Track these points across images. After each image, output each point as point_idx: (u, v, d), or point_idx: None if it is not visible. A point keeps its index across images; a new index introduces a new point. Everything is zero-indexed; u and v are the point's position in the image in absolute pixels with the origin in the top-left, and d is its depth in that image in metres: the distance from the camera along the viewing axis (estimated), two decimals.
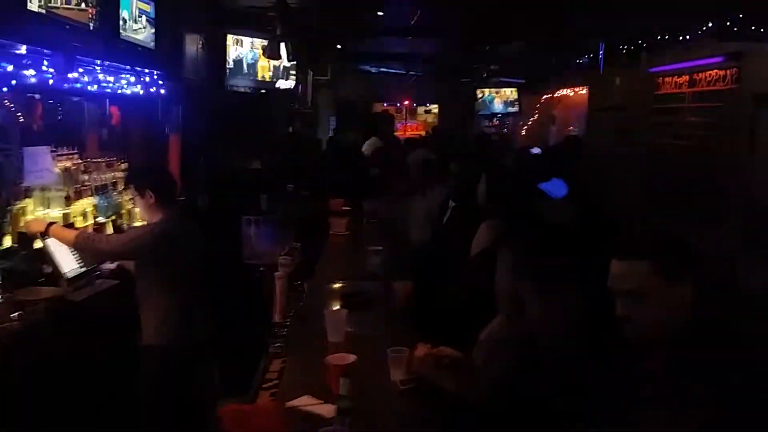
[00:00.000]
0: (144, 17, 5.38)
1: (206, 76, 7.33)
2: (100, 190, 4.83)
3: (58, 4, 4.00)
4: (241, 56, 8.18)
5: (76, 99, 5.00)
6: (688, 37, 7.62)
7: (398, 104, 16.54)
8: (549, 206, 4.84)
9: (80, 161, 4.83)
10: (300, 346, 3.14)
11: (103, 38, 4.66)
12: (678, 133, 8.06)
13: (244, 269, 5.59)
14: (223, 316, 4.12)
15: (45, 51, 3.96)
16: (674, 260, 1.75)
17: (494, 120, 16.47)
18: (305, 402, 2.44)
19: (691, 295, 1.73)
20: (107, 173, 5.05)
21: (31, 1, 3.66)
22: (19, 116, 4.32)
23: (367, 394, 2.45)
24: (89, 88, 4.53)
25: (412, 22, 10.26)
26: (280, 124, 10.31)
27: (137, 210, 4.96)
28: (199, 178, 6.83)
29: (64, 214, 4.32)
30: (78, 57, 4.31)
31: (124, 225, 4.85)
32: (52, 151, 4.48)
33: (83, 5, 4.32)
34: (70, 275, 3.85)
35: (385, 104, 15.80)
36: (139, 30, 5.30)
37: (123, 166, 5.31)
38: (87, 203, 4.64)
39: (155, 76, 5.55)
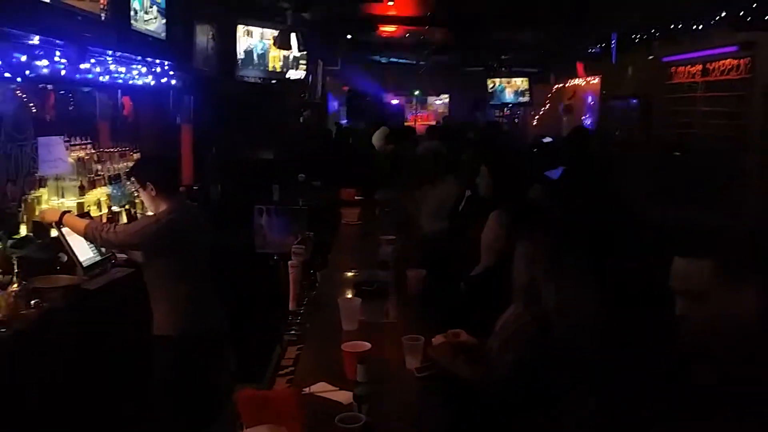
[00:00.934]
0: (155, 8, 5.38)
1: (217, 67, 7.34)
2: (114, 180, 4.85)
3: None
4: (251, 47, 8.17)
5: (87, 89, 5.02)
6: (701, 26, 7.57)
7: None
8: (545, 188, 4.86)
9: (93, 151, 4.87)
10: (314, 334, 3.15)
11: (115, 29, 4.66)
12: (691, 122, 8.02)
13: (256, 258, 5.60)
14: (237, 305, 4.14)
15: (57, 41, 3.97)
16: (736, 259, 1.58)
17: (505, 110, 16.41)
18: (321, 388, 2.45)
19: (756, 301, 1.55)
20: (120, 163, 5.07)
21: None
22: (32, 107, 4.34)
23: (383, 381, 2.45)
24: (101, 78, 4.54)
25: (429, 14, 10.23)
26: (291, 115, 10.31)
27: None
28: (211, 167, 6.85)
29: (78, 203, 4.35)
30: (90, 47, 4.32)
31: (138, 214, 4.86)
32: (65, 141, 4.50)
33: None
34: (85, 264, 3.88)
35: (394, 94, 15.79)
36: (150, 20, 5.30)
37: (135, 156, 5.33)
38: (101, 192, 4.67)
39: (166, 67, 5.56)
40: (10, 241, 3.66)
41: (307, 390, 2.42)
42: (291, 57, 8.93)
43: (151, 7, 5.30)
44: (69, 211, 3.91)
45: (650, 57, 9.07)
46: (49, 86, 4.55)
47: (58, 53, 3.96)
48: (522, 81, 15.84)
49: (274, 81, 8.71)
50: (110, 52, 4.67)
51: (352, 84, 14.99)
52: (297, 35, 8.14)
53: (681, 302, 1.64)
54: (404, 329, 2.87)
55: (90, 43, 4.30)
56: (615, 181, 6.74)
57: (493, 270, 3.36)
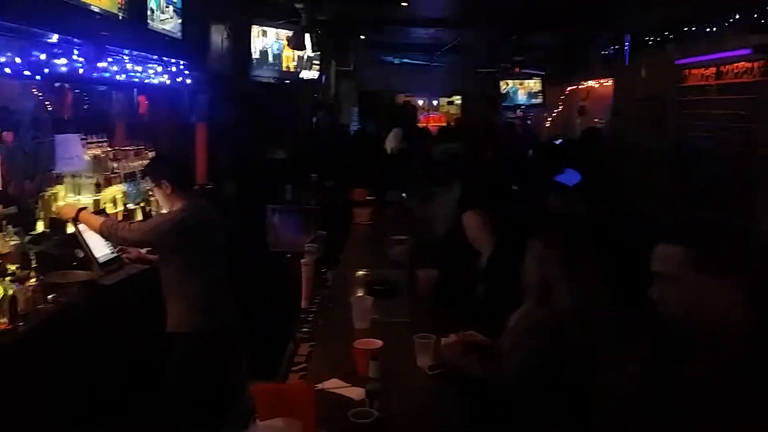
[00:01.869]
0: (171, 7, 5.43)
1: (231, 67, 7.38)
2: (129, 178, 4.90)
3: None
4: (266, 47, 8.22)
5: (104, 88, 5.07)
6: (715, 28, 7.54)
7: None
8: (561, 196, 4.86)
9: (109, 149, 4.91)
10: (327, 331, 3.18)
11: (132, 28, 4.71)
12: (705, 125, 7.99)
13: (269, 257, 5.64)
14: (250, 303, 4.17)
15: (75, 40, 4.02)
16: (712, 252, 1.60)
17: (518, 111, 16.38)
18: (334, 384, 2.48)
19: (740, 295, 1.56)
20: (135, 161, 5.11)
21: None
22: (50, 105, 4.40)
23: (395, 378, 2.48)
24: (117, 77, 4.57)
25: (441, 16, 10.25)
26: (304, 115, 10.35)
27: None
28: (225, 166, 6.89)
29: (94, 200, 4.39)
30: (107, 46, 4.37)
31: (153, 211, 4.91)
32: (82, 139, 4.55)
33: None
34: (101, 260, 3.92)
35: (407, 95, 15.79)
36: (166, 20, 5.35)
37: (151, 154, 5.37)
38: (116, 190, 4.72)
39: (181, 66, 5.60)
40: (27, 237, 3.70)
41: (319, 386, 2.45)
42: (305, 57, 8.98)
43: (167, 6, 5.35)
44: (85, 208, 3.96)
45: (663, 59, 9.04)
46: (67, 85, 4.61)
47: (76, 52, 4.00)
48: (535, 82, 15.81)
49: (287, 81, 8.76)
50: (127, 51, 4.72)
51: (365, 84, 15.02)
52: (311, 35, 8.17)
53: (657, 285, 1.68)
54: (416, 328, 2.89)
55: (107, 42, 4.35)
56: (630, 183, 6.74)
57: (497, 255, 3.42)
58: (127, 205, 4.77)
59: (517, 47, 13.73)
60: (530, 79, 15.79)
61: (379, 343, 2.65)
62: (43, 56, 3.71)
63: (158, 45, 5.21)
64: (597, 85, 12.39)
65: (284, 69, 8.65)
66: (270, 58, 8.31)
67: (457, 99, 17.08)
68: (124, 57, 4.69)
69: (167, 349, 3.68)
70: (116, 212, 4.59)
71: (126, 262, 4.12)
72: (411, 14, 10.54)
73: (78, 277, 3.71)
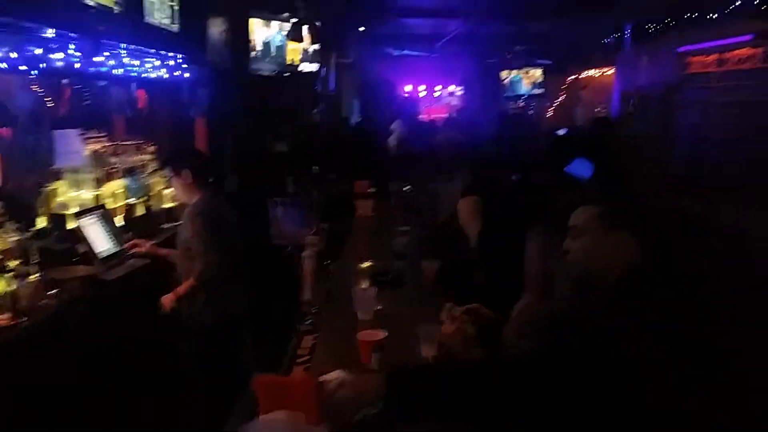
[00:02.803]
0: (168, 1, 5.40)
1: (230, 60, 7.35)
2: (129, 173, 4.87)
3: None
4: (269, 39, 8.17)
5: (102, 83, 5.04)
6: (716, 15, 7.50)
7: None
8: (576, 188, 4.83)
9: (109, 144, 4.88)
10: (330, 323, 3.15)
11: (129, 22, 4.69)
12: (707, 112, 7.95)
13: (272, 249, 5.62)
14: (254, 296, 4.16)
15: (71, 34, 4.00)
16: (612, 209, 1.97)
17: (520, 101, 16.33)
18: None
19: (630, 243, 1.89)
20: (135, 156, 5.09)
21: None
22: (48, 100, 4.37)
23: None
24: (115, 71, 4.57)
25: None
26: (305, 107, 10.31)
27: (166, 192, 5.02)
28: (226, 160, 6.87)
29: (94, 195, 4.37)
30: (103, 41, 4.35)
31: (154, 207, 4.89)
32: (80, 134, 4.53)
33: None
34: (102, 255, 3.90)
35: (408, 86, 15.75)
36: (163, 13, 5.32)
37: (151, 148, 5.35)
38: (117, 185, 4.69)
39: (179, 60, 5.57)
40: (28, 233, 3.69)
41: (323, 378, 2.42)
42: (310, 49, 8.93)
43: (163, 0, 5.32)
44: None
45: (665, 47, 8.99)
46: (65, 80, 4.58)
47: (72, 46, 3.99)
48: (537, 72, 15.75)
49: (287, 74, 8.71)
50: (124, 45, 4.70)
51: (365, 76, 14.97)
52: (310, 27, 8.13)
53: (569, 239, 2.05)
54: (420, 319, 2.86)
55: (104, 36, 4.33)
56: (636, 173, 6.68)
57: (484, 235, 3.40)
58: (129, 201, 4.74)
59: (518, 37, 13.68)
60: (532, 68, 15.73)
61: (382, 334, 2.61)
62: (38, 51, 3.70)
63: (156, 38, 5.18)
64: (598, 74, 12.35)
65: (289, 62, 8.60)
66: (273, 50, 8.26)
67: (459, 90, 17.02)
68: (121, 51, 4.67)
69: (180, 336, 3.73)
70: (117, 207, 4.56)
71: (129, 256, 4.10)
72: (411, 5, 10.50)
73: (79, 273, 3.69)
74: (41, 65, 3.74)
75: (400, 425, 1.96)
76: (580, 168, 5.40)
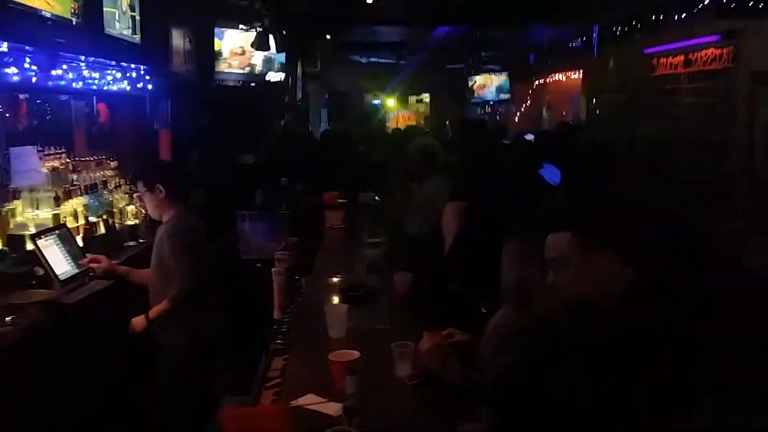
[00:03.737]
0: (129, 11, 5.27)
1: (194, 70, 7.23)
2: (90, 189, 4.72)
3: None
4: (230, 48, 8.06)
5: (62, 97, 4.90)
6: (683, 15, 7.53)
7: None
8: (545, 193, 4.78)
9: (68, 160, 4.75)
10: (301, 342, 3.05)
11: (88, 33, 4.56)
12: (675, 114, 7.97)
13: (241, 265, 5.51)
14: (223, 314, 4.05)
15: (27, 48, 3.86)
16: (590, 232, 1.87)
17: (487, 107, 16.36)
18: (310, 401, 2.35)
19: (616, 265, 1.82)
20: (96, 172, 4.95)
21: None
22: (4, 115, 4.23)
23: (374, 391, 2.36)
24: (74, 85, 4.44)
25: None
26: (272, 118, 10.20)
27: (129, 208, 4.88)
28: (191, 173, 6.73)
29: (54, 214, 4.22)
30: (61, 53, 4.22)
31: (117, 224, 4.74)
32: (39, 151, 4.39)
33: None
34: (62, 277, 3.75)
35: (376, 94, 15.72)
36: (124, 25, 5.19)
37: (113, 164, 5.21)
38: (77, 203, 4.54)
39: (142, 71, 5.44)
40: None
41: (294, 403, 2.32)
42: (272, 58, 8.83)
43: (124, 11, 5.19)
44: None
45: (632, 49, 9.02)
46: (21, 95, 4.44)
47: (28, 59, 3.85)
48: (502, 78, 15.79)
49: (253, 84, 8.61)
50: (83, 58, 4.56)
51: (333, 85, 14.89)
52: (275, 36, 8.04)
53: (551, 271, 1.95)
54: (394, 335, 2.77)
55: (62, 49, 4.21)
56: (604, 176, 6.68)
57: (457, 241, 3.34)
58: (89, 218, 4.58)
59: (484, 43, 13.70)
60: (498, 74, 15.77)
61: (355, 354, 2.52)
62: None
63: (116, 50, 5.05)
64: (564, 79, 12.38)
65: (250, 72, 8.49)
66: (234, 61, 8.15)
67: (426, 97, 17.03)
68: (81, 64, 4.53)
69: (157, 359, 3.62)
70: (78, 226, 4.41)
71: (90, 277, 3.95)
72: (377, 13, 10.43)
73: (38, 296, 3.52)
74: None
75: None
76: (549, 174, 5.37)
